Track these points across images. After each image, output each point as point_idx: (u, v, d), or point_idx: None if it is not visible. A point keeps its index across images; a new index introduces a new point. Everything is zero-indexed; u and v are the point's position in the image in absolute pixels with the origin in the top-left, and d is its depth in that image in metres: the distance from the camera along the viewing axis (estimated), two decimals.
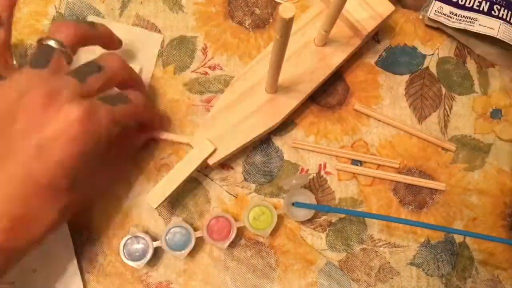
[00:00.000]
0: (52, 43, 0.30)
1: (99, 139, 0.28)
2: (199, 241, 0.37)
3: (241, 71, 0.38)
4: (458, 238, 0.38)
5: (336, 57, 0.38)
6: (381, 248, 0.38)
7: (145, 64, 0.40)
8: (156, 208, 0.34)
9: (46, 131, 0.27)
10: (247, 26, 0.41)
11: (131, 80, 0.34)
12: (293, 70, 0.37)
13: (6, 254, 0.27)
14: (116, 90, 0.33)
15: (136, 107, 0.32)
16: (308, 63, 0.37)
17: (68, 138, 0.27)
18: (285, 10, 0.23)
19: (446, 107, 0.40)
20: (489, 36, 0.39)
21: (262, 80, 0.37)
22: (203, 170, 0.38)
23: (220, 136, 0.36)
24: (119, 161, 0.36)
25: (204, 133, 0.36)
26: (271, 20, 0.41)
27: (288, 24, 0.25)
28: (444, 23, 0.40)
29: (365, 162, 0.39)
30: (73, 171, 0.28)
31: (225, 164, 0.39)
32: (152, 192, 0.34)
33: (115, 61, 0.32)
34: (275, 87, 0.36)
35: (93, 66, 0.30)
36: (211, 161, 0.36)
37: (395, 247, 0.38)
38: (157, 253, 0.37)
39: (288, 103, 0.37)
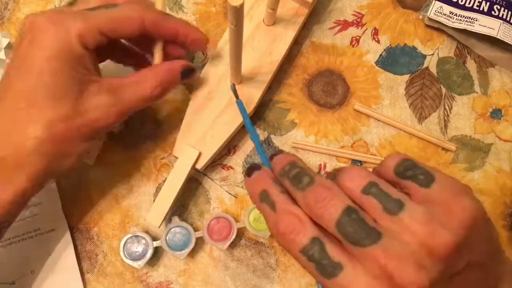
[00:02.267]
0: None
1: (67, 46, 0.28)
2: (199, 241, 0.37)
3: (203, 70, 0.38)
4: None
5: (289, 31, 0.38)
6: None
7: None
8: (159, 226, 0.34)
9: (21, 46, 0.28)
10: None
11: (162, 29, 0.32)
12: (252, 55, 0.37)
13: None
14: None
15: (124, 11, 0.30)
16: (264, 45, 0.38)
17: (33, 44, 0.27)
18: None
19: (446, 107, 0.40)
20: (489, 36, 0.39)
21: (225, 74, 0.37)
22: (203, 170, 0.38)
23: (200, 139, 0.36)
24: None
25: (184, 140, 0.36)
26: None
27: (239, 11, 0.25)
28: (444, 23, 0.40)
29: (365, 162, 0.39)
30: (44, 79, 0.27)
31: (225, 164, 0.39)
32: (151, 212, 0.34)
33: (132, 3, 0.31)
34: (240, 77, 0.36)
35: (108, 4, 0.30)
36: (199, 165, 0.35)
37: None
38: (157, 253, 0.37)
39: (256, 89, 0.37)
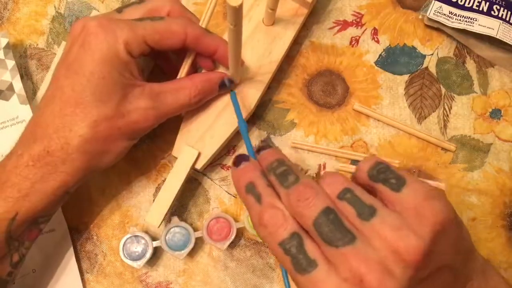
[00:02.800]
0: None
1: (115, 52, 0.29)
2: (199, 241, 0.37)
3: (202, 70, 0.37)
4: None
5: (289, 31, 0.38)
6: None
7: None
8: (159, 226, 0.34)
9: (72, 49, 0.30)
10: None
11: (202, 47, 0.33)
12: (251, 55, 0.37)
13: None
14: None
15: (170, 25, 0.31)
16: (263, 45, 0.38)
17: (84, 47, 0.29)
18: None
19: (446, 107, 0.40)
20: (489, 36, 0.39)
21: (225, 73, 0.37)
22: (203, 170, 0.38)
23: (200, 139, 0.36)
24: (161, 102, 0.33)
25: (184, 141, 0.36)
26: None
27: (238, 11, 0.25)
28: (444, 23, 0.40)
29: None
30: (93, 81, 0.29)
31: (224, 164, 0.39)
32: (150, 212, 0.34)
33: (179, 18, 0.32)
34: (239, 76, 0.36)
35: (154, 17, 0.32)
36: (198, 165, 0.35)
37: None
38: (157, 253, 0.37)
39: (256, 89, 0.37)
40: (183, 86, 0.33)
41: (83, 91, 0.29)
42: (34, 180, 0.29)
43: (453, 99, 0.41)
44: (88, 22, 0.30)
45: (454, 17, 0.40)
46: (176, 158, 0.35)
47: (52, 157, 0.29)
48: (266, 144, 0.35)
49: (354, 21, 0.42)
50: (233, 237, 0.35)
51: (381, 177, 0.23)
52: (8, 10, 0.41)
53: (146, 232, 0.37)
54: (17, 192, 0.28)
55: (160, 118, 0.32)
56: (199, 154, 0.35)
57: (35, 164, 0.29)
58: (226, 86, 0.35)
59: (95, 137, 0.29)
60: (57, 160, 0.29)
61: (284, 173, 0.24)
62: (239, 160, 0.27)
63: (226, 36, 0.36)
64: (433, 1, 0.41)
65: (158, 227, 0.34)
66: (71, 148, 0.29)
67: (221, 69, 0.36)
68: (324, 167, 0.39)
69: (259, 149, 0.27)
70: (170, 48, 0.32)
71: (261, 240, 0.37)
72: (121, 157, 0.32)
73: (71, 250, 0.36)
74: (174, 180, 0.34)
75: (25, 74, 0.40)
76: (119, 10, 0.32)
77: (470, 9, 0.41)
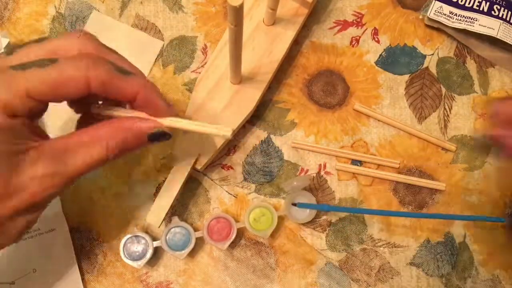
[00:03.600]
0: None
1: None
2: (199, 241, 0.37)
3: (202, 71, 0.38)
4: (458, 238, 0.38)
5: (289, 31, 0.38)
6: (381, 248, 0.38)
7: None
8: (159, 226, 0.34)
9: None
10: None
11: (112, 91, 0.26)
12: (251, 55, 0.37)
13: None
14: None
15: (64, 72, 0.24)
16: (264, 45, 0.38)
17: None
18: None
19: (446, 107, 0.40)
20: (489, 36, 0.39)
21: (225, 74, 0.37)
22: (203, 170, 0.38)
23: (200, 139, 0.36)
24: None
25: (184, 141, 0.36)
26: None
27: (239, 11, 0.25)
28: (444, 23, 0.40)
29: (365, 162, 0.39)
30: None
31: (225, 164, 0.39)
32: (151, 212, 0.34)
33: (79, 58, 0.25)
34: (240, 77, 0.36)
35: (45, 60, 0.25)
36: (199, 166, 0.35)
37: (395, 247, 0.38)
38: (157, 253, 0.37)
39: (256, 89, 0.37)
40: (98, 137, 0.26)
41: None
42: None
43: (453, 99, 0.41)
44: None
45: (455, 17, 0.40)
46: (176, 158, 0.35)
47: None
48: None
49: (354, 21, 0.42)
50: (233, 237, 0.35)
51: None
52: (8, 10, 0.41)
53: (147, 232, 0.37)
54: None
55: (67, 184, 0.25)
56: (199, 154, 0.35)
57: None
58: (160, 138, 0.28)
59: None
60: None
61: None
62: None
63: (226, 36, 0.36)
64: (434, 1, 0.41)
65: (159, 227, 0.34)
66: None
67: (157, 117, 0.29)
68: (325, 167, 0.39)
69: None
70: (69, 99, 0.26)
71: (261, 240, 0.37)
72: (29, 228, 0.26)
73: (72, 250, 0.36)
74: (174, 180, 0.34)
75: None
76: (10, 52, 0.26)
77: (471, 9, 0.41)
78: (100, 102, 0.29)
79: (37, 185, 0.24)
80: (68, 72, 0.24)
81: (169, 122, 0.28)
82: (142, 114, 0.28)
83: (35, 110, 0.25)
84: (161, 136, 0.28)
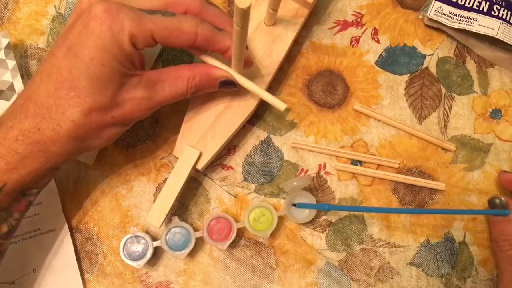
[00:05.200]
0: None
1: (119, 42, 0.28)
2: (199, 241, 0.37)
3: None
4: (458, 238, 0.38)
5: (290, 31, 0.38)
6: (381, 248, 0.38)
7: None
8: (160, 226, 0.34)
9: (74, 28, 0.29)
10: None
11: (211, 46, 0.32)
12: (252, 55, 0.37)
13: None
14: None
15: (180, 24, 0.30)
16: (265, 45, 0.38)
17: (88, 31, 0.28)
18: (241, 0, 0.24)
19: (446, 107, 0.40)
20: (489, 36, 0.40)
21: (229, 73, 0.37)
22: (203, 170, 0.38)
23: (201, 139, 0.36)
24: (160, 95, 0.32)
25: (185, 141, 0.36)
26: None
27: (246, 13, 0.25)
28: (444, 23, 0.40)
29: (365, 162, 0.39)
30: (92, 68, 0.28)
31: (224, 164, 0.39)
32: (152, 213, 0.34)
33: (190, 16, 0.31)
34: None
35: (167, 12, 0.31)
36: (199, 166, 0.35)
37: (395, 247, 0.38)
38: (157, 253, 0.37)
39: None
40: (182, 75, 0.32)
41: (81, 76, 0.28)
42: (24, 155, 0.29)
43: (453, 99, 0.41)
44: (96, 5, 0.28)
45: (454, 17, 0.40)
46: (177, 158, 0.35)
47: (42, 136, 0.29)
48: None
49: (354, 21, 0.42)
50: (233, 237, 0.35)
51: None
52: (8, 10, 0.41)
53: (147, 232, 0.37)
54: (5, 164, 0.28)
55: (154, 108, 0.32)
56: (200, 154, 0.35)
57: (25, 140, 0.29)
58: (228, 86, 0.34)
59: (87, 124, 0.29)
60: (47, 140, 0.29)
61: None
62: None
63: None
64: (433, 1, 0.41)
65: (159, 227, 0.34)
66: (62, 131, 0.29)
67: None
68: (325, 167, 0.39)
69: None
70: (178, 46, 0.31)
71: (261, 240, 0.38)
72: (113, 141, 0.32)
73: (72, 250, 0.36)
74: (175, 180, 0.34)
75: (25, 74, 0.40)
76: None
77: (470, 9, 0.41)
78: None
79: (134, 104, 0.30)
80: (183, 26, 0.30)
81: (236, 75, 0.34)
82: (218, 63, 0.33)
83: (147, 46, 0.30)
84: (229, 84, 0.34)
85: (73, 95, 0.28)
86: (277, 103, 0.34)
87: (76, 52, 0.28)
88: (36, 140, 0.29)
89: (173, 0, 0.32)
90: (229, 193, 0.38)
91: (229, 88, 0.34)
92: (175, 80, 0.32)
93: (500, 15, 0.40)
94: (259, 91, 0.34)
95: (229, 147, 0.39)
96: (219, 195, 0.38)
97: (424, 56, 0.41)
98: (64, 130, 0.29)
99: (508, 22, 0.40)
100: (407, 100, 0.40)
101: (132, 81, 0.30)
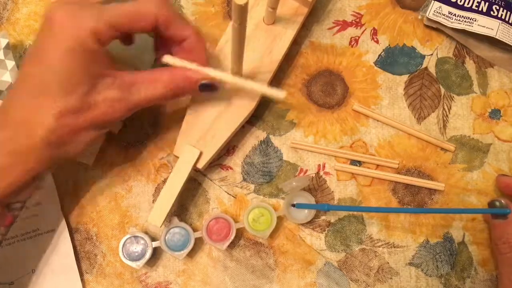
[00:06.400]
0: None
1: (81, 42, 0.28)
2: (198, 241, 0.37)
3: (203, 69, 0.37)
4: (457, 238, 0.38)
5: (289, 30, 0.38)
6: (380, 248, 0.38)
7: (141, 68, 0.40)
8: (161, 226, 0.34)
9: (38, 36, 0.29)
10: None
11: (170, 29, 0.32)
12: (252, 54, 0.37)
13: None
14: None
15: (138, 8, 0.30)
16: (264, 44, 0.38)
17: (50, 36, 0.28)
18: None
19: (445, 107, 0.40)
20: (488, 36, 0.40)
21: (226, 72, 0.37)
22: (202, 170, 0.38)
23: (201, 139, 0.36)
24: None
25: (185, 140, 0.36)
26: None
27: (244, 9, 0.25)
28: (443, 23, 0.40)
29: (364, 162, 0.39)
30: (58, 71, 0.28)
31: (224, 165, 0.39)
32: (153, 212, 0.34)
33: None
34: (241, 75, 0.36)
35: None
36: (200, 165, 0.35)
37: (394, 247, 0.38)
38: (156, 253, 0.37)
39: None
40: (159, 78, 0.31)
41: (48, 81, 0.28)
42: (1, 167, 0.28)
43: (452, 99, 0.41)
44: (56, 11, 0.29)
45: (454, 17, 0.40)
46: (177, 157, 0.35)
47: (17, 145, 0.28)
48: None
49: (353, 21, 0.42)
50: (232, 237, 0.35)
51: None
52: (7, 10, 0.41)
53: (146, 232, 0.37)
54: None
55: (130, 110, 0.31)
56: (200, 154, 0.35)
57: (1, 151, 0.28)
58: (209, 89, 0.33)
59: (59, 128, 0.29)
60: (22, 149, 0.28)
61: None
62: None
63: (229, 35, 0.36)
64: (433, 1, 0.41)
65: (160, 227, 0.34)
66: (36, 137, 0.28)
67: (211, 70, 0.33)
68: (324, 168, 0.39)
69: None
70: (140, 30, 0.31)
71: (261, 241, 0.38)
72: (91, 146, 0.32)
73: (71, 250, 0.36)
74: (175, 179, 0.34)
75: None
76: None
77: (470, 9, 0.41)
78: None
79: (107, 105, 0.30)
80: (142, 8, 0.30)
81: (214, 73, 0.32)
82: (194, 66, 0.32)
83: (111, 40, 0.30)
84: (209, 87, 0.33)
85: (43, 101, 0.28)
86: (275, 92, 0.33)
87: (40, 58, 0.29)
88: (11, 150, 0.28)
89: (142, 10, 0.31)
90: (228, 194, 0.38)
91: (211, 91, 0.34)
92: (151, 84, 0.31)
93: (499, 15, 0.40)
94: (254, 85, 0.34)
95: (228, 148, 0.39)
96: (218, 195, 0.38)
97: (423, 56, 0.41)
98: (38, 136, 0.28)
99: (507, 22, 0.40)
100: (406, 100, 0.40)
101: (104, 82, 0.30)
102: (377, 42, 0.42)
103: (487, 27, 0.40)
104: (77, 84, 0.28)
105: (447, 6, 0.41)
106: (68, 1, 0.30)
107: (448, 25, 0.40)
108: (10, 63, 0.37)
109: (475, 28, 0.40)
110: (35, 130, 0.28)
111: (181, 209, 0.38)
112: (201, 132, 0.36)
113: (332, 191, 0.39)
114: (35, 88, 0.28)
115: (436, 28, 0.41)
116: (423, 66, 0.41)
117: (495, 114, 0.40)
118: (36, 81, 0.29)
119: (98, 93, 0.29)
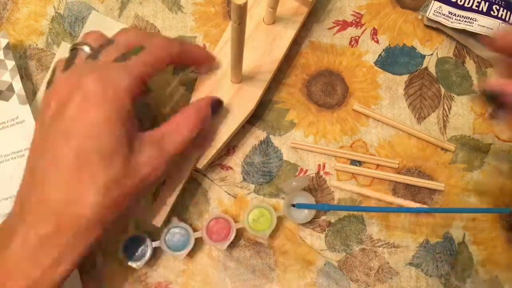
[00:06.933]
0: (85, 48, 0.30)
1: (121, 105, 0.27)
2: (198, 242, 0.37)
3: None
4: (458, 238, 0.38)
5: (289, 30, 0.38)
6: (380, 248, 0.38)
7: None
8: (161, 226, 0.34)
9: (66, 108, 0.27)
10: None
11: (184, 57, 0.33)
12: (252, 54, 0.37)
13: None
14: None
15: (155, 52, 0.30)
16: (264, 44, 0.38)
17: (83, 106, 0.26)
18: None
19: (445, 107, 0.40)
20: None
21: (226, 73, 0.37)
22: (202, 170, 0.38)
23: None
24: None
25: None
26: None
27: (243, 9, 0.25)
28: (443, 23, 0.40)
29: (364, 162, 0.39)
30: (100, 141, 0.26)
31: (224, 165, 0.39)
32: (153, 212, 0.34)
33: (156, 41, 0.31)
34: (240, 76, 0.36)
35: (135, 49, 0.30)
36: (200, 164, 0.35)
37: (394, 247, 0.38)
38: (156, 253, 0.37)
39: (257, 88, 0.37)
40: (178, 125, 0.31)
41: (86, 154, 0.26)
42: (46, 266, 0.26)
43: (452, 99, 0.41)
44: (84, 78, 0.27)
45: (454, 17, 0.40)
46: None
47: (64, 235, 0.26)
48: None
49: (353, 21, 0.42)
50: (232, 237, 0.35)
51: None
52: (7, 10, 0.41)
53: (146, 232, 0.37)
54: (25, 284, 0.25)
55: (169, 163, 0.30)
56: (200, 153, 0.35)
57: (44, 245, 0.25)
58: (219, 107, 0.35)
59: (109, 203, 0.26)
60: (69, 237, 0.26)
61: None
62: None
63: (229, 35, 0.36)
64: (433, 1, 0.41)
65: (160, 226, 0.34)
66: (85, 221, 0.26)
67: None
68: (324, 167, 0.39)
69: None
70: (159, 71, 0.31)
71: (261, 241, 0.38)
72: (129, 216, 0.32)
73: None
74: (176, 179, 0.34)
75: (24, 75, 0.40)
76: (94, 57, 0.29)
77: (470, 9, 0.41)
78: None
79: (150, 166, 0.28)
80: (158, 53, 0.30)
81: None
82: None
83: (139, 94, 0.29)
84: (218, 104, 0.35)
85: (84, 177, 0.26)
86: None
87: (78, 132, 0.26)
88: (57, 243, 0.26)
89: (127, 41, 0.30)
90: (228, 194, 0.38)
91: (220, 108, 0.35)
92: (175, 132, 0.31)
93: (499, 15, 0.40)
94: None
95: (228, 147, 0.39)
96: (218, 195, 0.38)
97: (423, 56, 0.41)
98: (87, 218, 0.26)
99: (508, 22, 0.40)
100: (406, 100, 0.40)
101: (138, 144, 0.28)
102: (377, 42, 0.42)
103: (487, 27, 0.40)
104: (115, 149, 0.27)
105: (447, 6, 0.41)
106: (87, 65, 0.28)
107: (448, 25, 0.40)
108: (10, 63, 0.37)
109: (475, 28, 0.40)
110: (82, 212, 0.26)
111: (181, 209, 0.38)
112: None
113: (332, 191, 0.39)
114: (73, 167, 0.26)
115: (436, 28, 0.41)
116: (423, 66, 0.41)
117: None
118: (73, 160, 0.26)
119: (136, 155, 0.28)
